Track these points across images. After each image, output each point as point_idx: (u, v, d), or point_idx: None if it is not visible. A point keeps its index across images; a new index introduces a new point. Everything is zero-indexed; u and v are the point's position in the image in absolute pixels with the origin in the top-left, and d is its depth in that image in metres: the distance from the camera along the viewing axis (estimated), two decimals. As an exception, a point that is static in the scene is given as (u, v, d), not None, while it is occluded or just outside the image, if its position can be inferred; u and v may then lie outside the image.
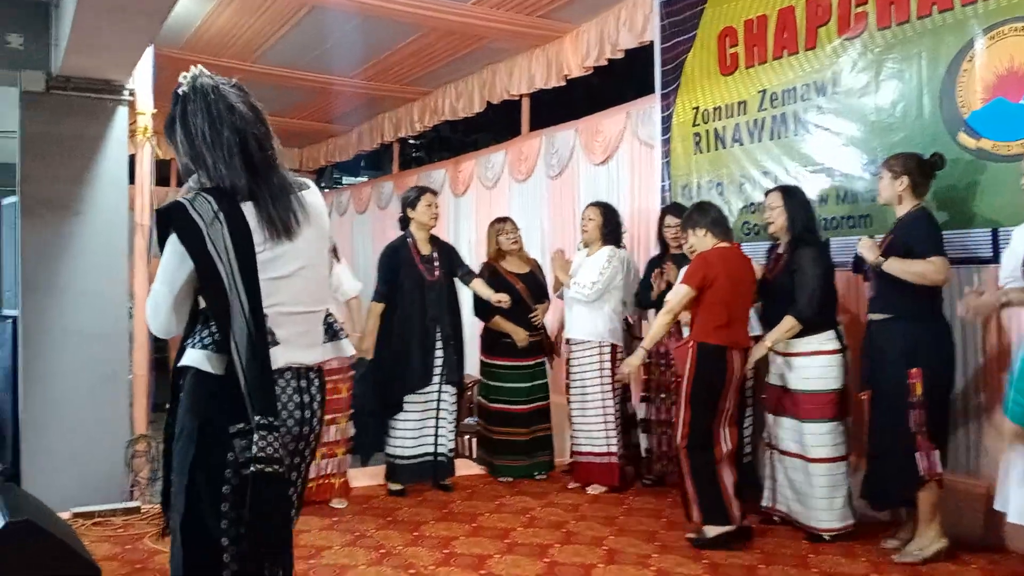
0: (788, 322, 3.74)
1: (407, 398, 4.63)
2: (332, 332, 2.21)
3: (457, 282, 4.82)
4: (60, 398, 4.72)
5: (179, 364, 2.00)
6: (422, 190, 4.82)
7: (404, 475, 4.68)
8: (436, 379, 4.67)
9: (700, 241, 3.94)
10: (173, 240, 1.90)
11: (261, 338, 1.89)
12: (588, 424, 4.71)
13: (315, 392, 2.08)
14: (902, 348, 3.47)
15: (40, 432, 4.67)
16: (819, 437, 3.75)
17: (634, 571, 3.44)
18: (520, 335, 4.90)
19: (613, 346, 4.71)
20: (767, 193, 4.14)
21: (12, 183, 4.84)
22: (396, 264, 4.66)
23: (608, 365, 4.68)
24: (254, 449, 1.85)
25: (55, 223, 4.80)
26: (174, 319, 1.98)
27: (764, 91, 4.79)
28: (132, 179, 5.15)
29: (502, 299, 4.59)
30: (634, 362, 4.08)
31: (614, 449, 4.68)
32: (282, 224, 1.97)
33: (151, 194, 5.19)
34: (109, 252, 4.95)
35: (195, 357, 1.96)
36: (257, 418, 1.87)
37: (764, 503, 4.03)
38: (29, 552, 2.74)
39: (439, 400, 4.69)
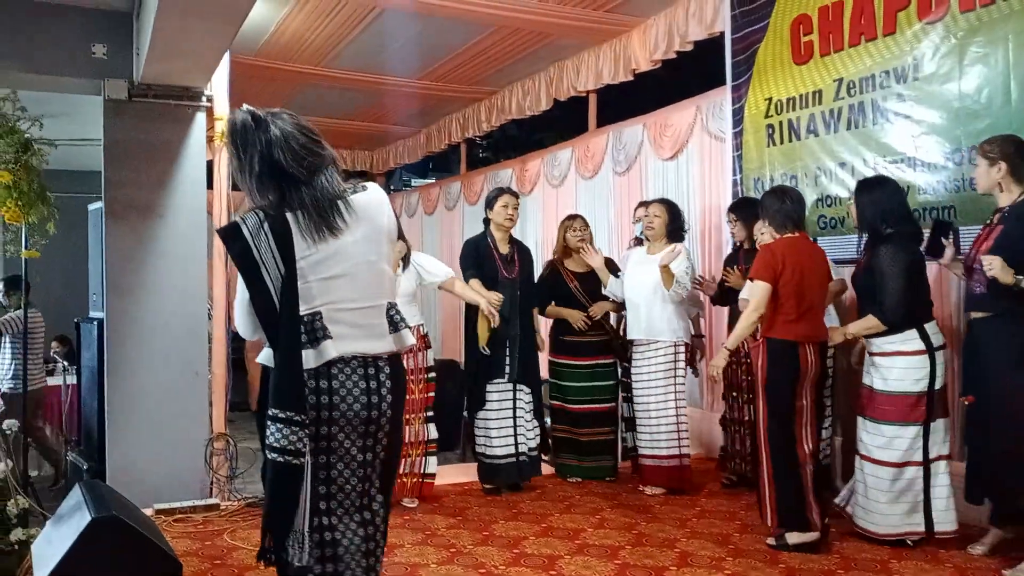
0: (870, 320, 3.60)
1: (488, 396, 4.67)
2: (394, 324, 2.30)
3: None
4: (143, 397, 4.88)
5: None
6: (501, 191, 4.90)
7: (493, 474, 4.71)
8: (506, 377, 4.68)
9: (766, 231, 3.83)
10: (233, 254, 2.16)
11: (294, 338, 2.11)
12: (657, 425, 4.60)
13: (384, 379, 2.22)
14: (1015, 348, 3.28)
15: (124, 430, 4.83)
16: (893, 440, 3.59)
17: (706, 575, 3.37)
18: (575, 316, 4.89)
19: (685, 344, 4.65)
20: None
21: (99, 190, 5.02)
22: (477, 255, 4.76)
23: (682, 364, 4.63)
24: (269, 438, 2.13)
25: (138, 226, 4.96)
26: (250, 321, 2.19)
27: (840, 80, 4.64)
28: (210, 183, 5.29)
29: (492, 299, 4.52)
30: (719, 363, 3.88)
31: (686, 451, 4.60)
32: (326, 227, 2.15)
33: (228, 197, 5.32)
34: (189, 254, 5.10)
35: (264, 354, 2.25)
36: (275, 411, 2.11)
37: (838, 501, 3.89)
38: (115, 547, 2.83)
39: (515, 399, 4.72)
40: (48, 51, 4.71)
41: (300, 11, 5.78)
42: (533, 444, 4.78)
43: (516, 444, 4.70)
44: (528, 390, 4.76)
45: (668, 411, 4.58)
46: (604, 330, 5.01)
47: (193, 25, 3.92)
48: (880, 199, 3.67)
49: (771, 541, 3.67)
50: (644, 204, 5.22)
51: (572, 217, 5.18)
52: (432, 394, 4.63)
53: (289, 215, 2.13)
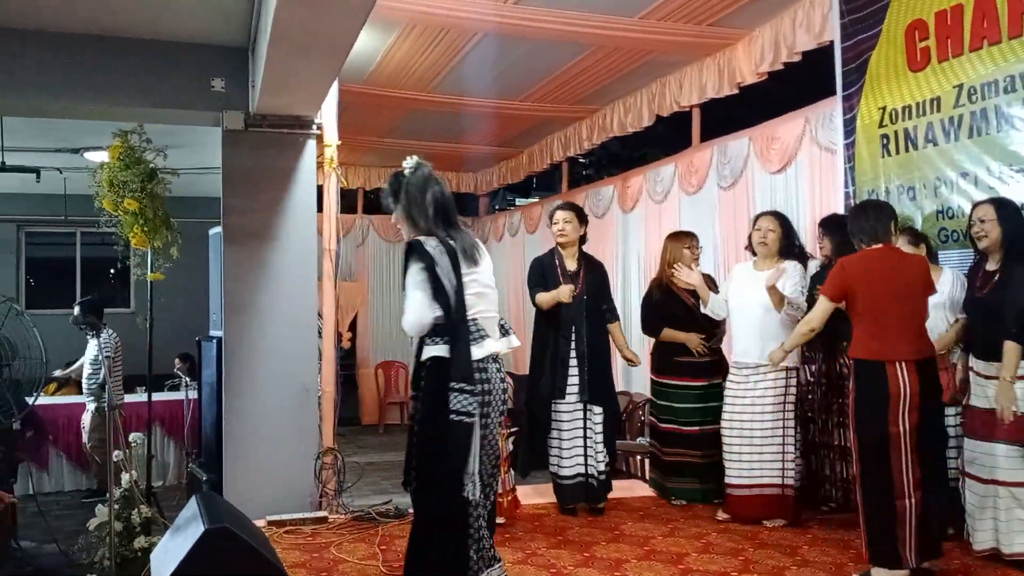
0: (1011, 350, 3.36)
1: (555, 416, 4.60)
2: (505, 331, 3.16)
3: None
4: (257, 413, 5.09)
5: (421, 359, 2.95)
6: (555, 208, 4.88)
7: (562, 494, 4.66)
8: (574, 397, 4.59)
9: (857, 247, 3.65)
10: (419, 265, 2.90)
11: (465, 331, 2.91)
12: (760, 453, 4.34)
13: (503, 373, 3.09)
14: None
15: (239, 444, 5.05)
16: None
17: (819, 606, 3.23)
18: (693, 340, 4.77)
19: (797, 370, 4.42)
20: (975, 206, 3.79)
21: (219, 215, 5.29)
22: (541, 272, 4.75)
23: (793, 390, 4.38)
24: (453, 404, 2.85)
25: (254, 249, 5.20)
26: (419, 322, 2.89)
27: (960, 86, 4.39)
28: (319, 207, 5.49)
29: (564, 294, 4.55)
30: (775, 357, 3.85)
31: (790, 481, 4.34)
32: (473, 256, 3.03)
33: (337, 221, 5.50)
34: (301, 275, 5.30)
35: (435, 350, 2.90)
36: (460, 384, 2.86)
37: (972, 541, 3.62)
38: (226, 558, 2.94)
39: (585, 419, 4.60)
40: (171, 86, 5.01)
41: (405, 40, 5.94)
42: (603, 467, 4.62)
43: (586, 465, 4.58)
44: (599, 410, 4.62)
45: (775, 440, 4.33)
46: (716, 350, 4.87)
47: (301, 60, 4.10)
48: (1020, 215, 3.52)
49: None
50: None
51: (687, 235, 5.06)
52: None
53: (452, 243, 2.98)
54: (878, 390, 3.36)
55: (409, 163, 3.07)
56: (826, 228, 4.57)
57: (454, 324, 2.88)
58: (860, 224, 3.61)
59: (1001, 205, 3.64)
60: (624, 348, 4.91)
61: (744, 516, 4.40)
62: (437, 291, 2.87)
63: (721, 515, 4.49)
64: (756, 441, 4.36)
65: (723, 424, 4.48)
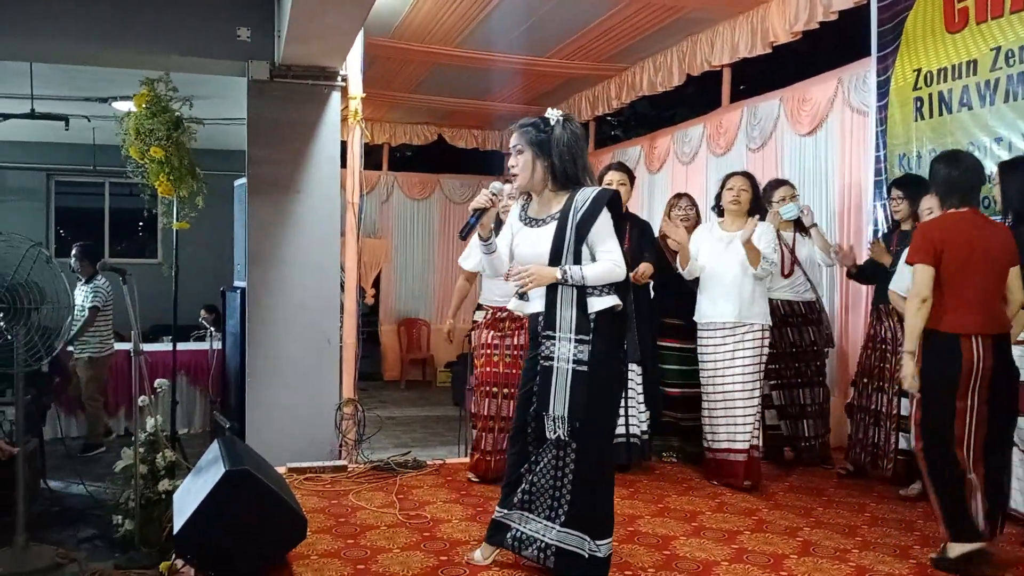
0: None
1: None
2: None
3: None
4: (280, 362, 5.16)
5: (594, 309, 2.95)
6: (608, 168, 4.69)
7: None
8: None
9: (934, 205, 3.41)
10: (609, 215, 2.98)
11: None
12: (744, 416, 4.27)
13: None
14: None
15: (262, 393, 5.13)
16: None
17: (828, 564, 3.23)
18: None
19: (770, 329, 4.37)
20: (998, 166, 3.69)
21: (245, 167, 5.31)
22: None
23: (767, 349, 4.33)
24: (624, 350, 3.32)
25: (278, 201, 5.23)
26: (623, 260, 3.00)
27: (998, 48, 4.27)
28: (343, 162, 5.49)
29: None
30: (908, 372, 3.26)
31: (756, 442, 4.33)
32: None
33: (360, 174, 5.50)
34: (324, 228, 5.33)
35: (611, 300, 2.97)
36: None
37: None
38: (245, 499, 3.01)
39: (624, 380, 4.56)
40: (198, 35, 5.01)
41: (432, -9, 5.88)
42: (644, 427, 4.56)
43: (627, 426, 4.49)
44: (639, 370, 4.54)
45: (753, 399, 4.27)
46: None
47: (326, 8, 4.07)
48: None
49: (933, 556, 3.26)
50: (777, 184, 4.97)
51: (678, 195, 5.05)
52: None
53: None
54: (952, 365, 3.17)
55: (557, 114, 3.01)
56: (905, 190, 4.41)
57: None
58: (950, 177, 3.29)
59: (1006, 167, 3.55)
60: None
61: (723, 479, 4.36)
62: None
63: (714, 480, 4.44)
64: (733, 401, 4.30)
65: (703, 386, 4.42)
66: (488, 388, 4.33)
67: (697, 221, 4.91)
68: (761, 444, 4.48)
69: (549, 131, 2.99)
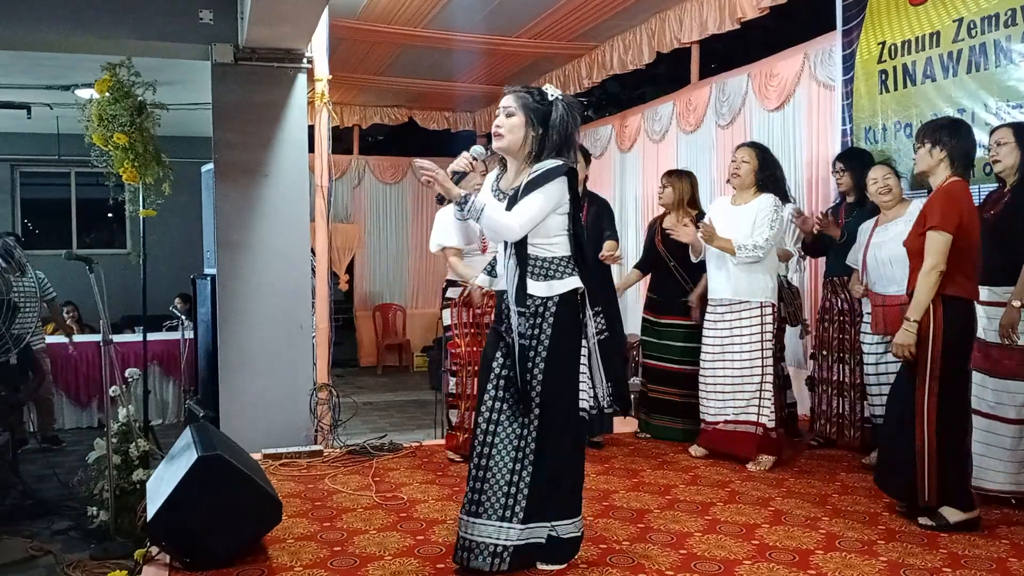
0: None
1: None
2: None
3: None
4: (252, 349, 5.13)
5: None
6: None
7: None
8: None
9: (933, 165, 3.32)
10: (563, 181, 2.87)
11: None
12: (735, 390, 4.28)
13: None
14: None
15: (235, 380, 5.10)
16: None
17: (800, 532, 3.29)
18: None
19: (772, 306, 4.30)
20: (993, 130, 3.71)
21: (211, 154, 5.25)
22: None
23: (769, 327, 4.25)
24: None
25: (245, 186, 5.17)
26: (529, 228, 2.86)
27: (960, 20, 4.32)
28: (311, 147, 5.44)
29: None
30: (904, 340, 3.25)
31: (765, 420, 4.22)
32: None
33: (329, 157, 5.45)
34: (293, 212, 5.29)
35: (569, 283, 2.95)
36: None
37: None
38: (219, 484, 2.99)
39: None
40: (159, 18, 4.94)
41: (398, -29, 5.83)
42: (606, 401, 4.36)
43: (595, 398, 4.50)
44: (595, 342, 4.51)
45: (753, 376, 4.24)
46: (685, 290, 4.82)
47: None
48: None
49: (925, 521, 3.29)
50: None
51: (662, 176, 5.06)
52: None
53: None
54: (969, 331, 3.27)
55: (557, 91, 2.94)
56: (847, 163, 4.47)
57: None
58: (964, 146, 3.32)
59: (1021, 129, 3.55)
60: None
61: (717, 450, 4.38)
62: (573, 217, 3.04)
63: (696, 450, 4.47)
64: (731, 377, 4.29)
65: (701, 360, 4.44)
66: (474, 367, 4.29)
67: (673, 199, 4.85)
68: (775, 423, 4.26)
69: (548, 105, 2.92)
